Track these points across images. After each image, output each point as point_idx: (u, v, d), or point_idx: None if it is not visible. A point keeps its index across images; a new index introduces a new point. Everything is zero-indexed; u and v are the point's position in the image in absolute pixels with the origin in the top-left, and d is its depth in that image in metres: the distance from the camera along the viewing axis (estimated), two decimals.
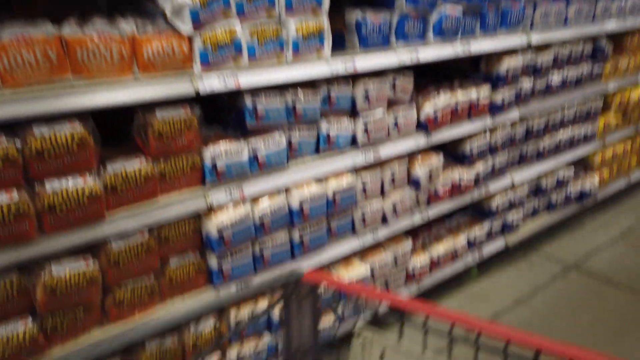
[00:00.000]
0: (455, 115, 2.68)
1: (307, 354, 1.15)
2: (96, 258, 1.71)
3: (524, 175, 3.32)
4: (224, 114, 2.09)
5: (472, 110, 2.77)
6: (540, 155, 3.41)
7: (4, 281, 1.55)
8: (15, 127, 1.48)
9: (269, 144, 2.00)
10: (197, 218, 1.95)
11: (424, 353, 0.93)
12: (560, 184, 3.65)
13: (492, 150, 3.03)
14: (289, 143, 2.10)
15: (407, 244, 2.73)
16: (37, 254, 1.55)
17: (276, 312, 2.11)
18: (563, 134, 3.49)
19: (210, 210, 1.93)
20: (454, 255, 3.01)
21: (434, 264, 2.91)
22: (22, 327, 1.56)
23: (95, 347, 0.68)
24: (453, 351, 0.93)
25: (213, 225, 1.90)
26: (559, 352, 0.83)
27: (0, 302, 1.55)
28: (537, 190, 3.56)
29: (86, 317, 1.73)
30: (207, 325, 1.98)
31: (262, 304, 2.07)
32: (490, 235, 3.26)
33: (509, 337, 0.87)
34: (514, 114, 3.01)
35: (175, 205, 1.82)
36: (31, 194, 1.52)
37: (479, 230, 3.14)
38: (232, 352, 2.09)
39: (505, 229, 3.35)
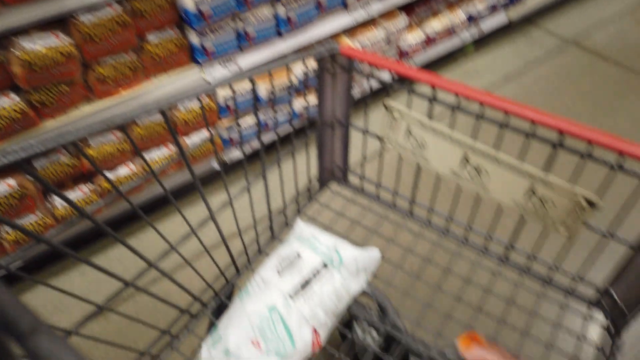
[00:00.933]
0: None
1: (340, 123, 1.23)
2: (68, 34, 1.63)
3: None
4: None
5: None
6: None
7: None
8: None
9: None
10: None
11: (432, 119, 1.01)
12: None
13: None
14: None
15: (401, 20, 2.57)
16: (2, 27, 1.47)
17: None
18: None
19: None
20: (450, 32, 2.88)
21: (428, 41, 2.80)
22: (7, 102, 1.59)
23: (90, 123, 0.70)
24: (456, 120, 0.99)
25: None
26: (552, 125, 0.85)
27: None
28: None
29: (72, 93, 1.74)
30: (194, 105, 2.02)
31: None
32: (493, 9, 3.05)
33: (506, 109, 0.89)
34: None
35: None
36: None
37: (480, 4, 2.93)
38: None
39: (510, 1, 3.12)
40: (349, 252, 1.03)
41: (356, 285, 1.03)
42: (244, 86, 2.14)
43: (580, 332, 1.00)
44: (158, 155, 2.05)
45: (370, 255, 1.06)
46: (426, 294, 1.08)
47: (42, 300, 1.94)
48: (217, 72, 2.02)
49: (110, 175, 1.96)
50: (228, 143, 2.28)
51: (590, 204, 0.87)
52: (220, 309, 1.05)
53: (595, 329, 1.03)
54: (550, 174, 0.89)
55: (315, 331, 0.93)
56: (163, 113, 0.82)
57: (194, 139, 2.13)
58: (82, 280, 2.02)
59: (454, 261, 1.15)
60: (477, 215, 1.11)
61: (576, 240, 0.92)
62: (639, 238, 0.93)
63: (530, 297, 1.07)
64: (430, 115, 1.01)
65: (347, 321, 1.38)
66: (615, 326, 1.01)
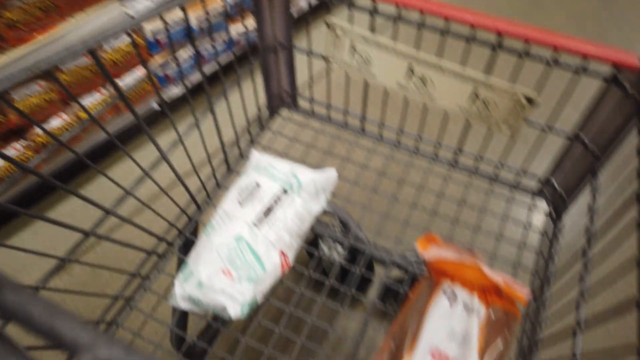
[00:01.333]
0: None
1: (282, 45, 1.19)
2: None
3: None
4: None
5: None
6: None
7: None
8: None
9: None
10: None
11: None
12: None
13: None
14: None
15: None
16: None
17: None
18: None
19: None
20: None
21: None
22: None
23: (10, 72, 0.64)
24: (398, 32, 0.98)
25: None
26: (491, 27, 0.86)
27: None
28: None
29: None
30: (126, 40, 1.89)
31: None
32: None
33: (446, 15, 0.89)
34: None
35: None
36: None
37: None
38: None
39: None
40: (306, 175, 1.05)
41: (317, 206, 1.06)
42: (171, 17, 2.00)
43: (525, 221, 1.09)
44: (91, 101, 1.94)
45: (328, 176, 1.08)
46: (384, 205, 1.13)
47: None
48: (139, 4, 1.87)
49: None
50: (164, 81, 2.18)
51: (529, 100, 0.91)
52: (186, 246, 1.05)
53: (538, 217, 1.12)
54: (491, 77, 0.92)
55: (282, 253, 0.96)
56: (92, 52, 0.77)
57: (127, 81, 2.01)
58: (35, 240, 1.95)
59: (407, 171, 1.19)
60: (425, 125, 1.15)
61: (518, 138, 0.97)
62: (574, 128, 0.99)
63: (479, 195, 1.14)
64: (372, 29, 0.99)
65: (312, 240, 1.44)
66: (557, 211, 1.10)
